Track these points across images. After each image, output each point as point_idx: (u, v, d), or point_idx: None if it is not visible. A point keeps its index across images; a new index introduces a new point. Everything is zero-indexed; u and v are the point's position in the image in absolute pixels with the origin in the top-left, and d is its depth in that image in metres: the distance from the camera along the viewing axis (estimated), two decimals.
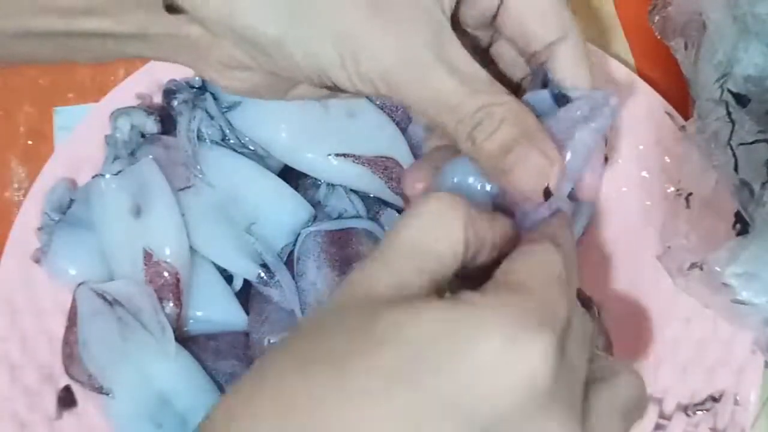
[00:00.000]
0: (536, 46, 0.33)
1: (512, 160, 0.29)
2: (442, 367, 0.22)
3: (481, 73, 0.30)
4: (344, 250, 0.42)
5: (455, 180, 0.31)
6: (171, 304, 0.41)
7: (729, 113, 0.39)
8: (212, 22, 0.30)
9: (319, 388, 0.22)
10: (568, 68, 0.32)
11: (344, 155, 0.43)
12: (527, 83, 0.36)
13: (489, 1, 0.32)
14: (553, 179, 0.29)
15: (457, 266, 0.27)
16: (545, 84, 0.33)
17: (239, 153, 0.45)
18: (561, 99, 0.32)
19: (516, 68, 0.36)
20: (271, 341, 0.42)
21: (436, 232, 0.26)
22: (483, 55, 0.36)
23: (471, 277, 0.27)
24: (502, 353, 0.22)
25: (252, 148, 0.45)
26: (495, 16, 0.33)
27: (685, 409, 0.42)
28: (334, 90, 0.32)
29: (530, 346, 0.22)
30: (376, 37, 0.29)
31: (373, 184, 0.44)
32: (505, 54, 0.36)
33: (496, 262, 0.27)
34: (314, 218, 0.44)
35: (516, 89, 0.36)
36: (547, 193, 0.29)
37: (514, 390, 0.22)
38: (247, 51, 0.31)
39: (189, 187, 0.44)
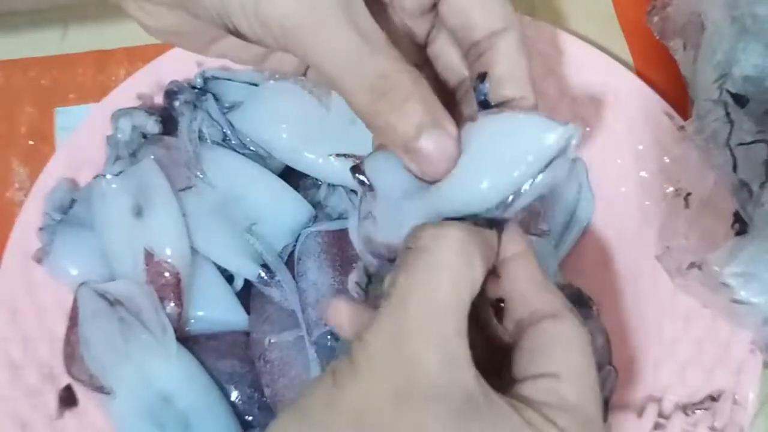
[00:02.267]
0: (478, 34, 0.32)
1: (422, 145, 0.29)
2: None
3: (383, 37, 0.29)
4: (345, 250, 0.42)
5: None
6: (172, 304, 0.42)
7: (728, 113, 0.39)
8: None
9: None
10: (508, 61, 0.31)
11: (345, 155, 0.43)
12: (461, 94, 0.35)
13: None
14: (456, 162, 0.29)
15: None
16: (483, 99, 0.32)
17: (240, 153, 0.45)
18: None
19: (451, 72, 0.35)
20: (272, 341, 0.42)
21: (464, 276, 0.27)
22: (420, 53, 0.35)
23: None
24: None
25: (253, 148, 0.45)
26: (435, 4, 0.32)
27: (684, 408, 0.42)
28: (239, 37, 0.31)
29: None
30: None
31: None
32: (442, 55, 0.35)
33: None
34: (315, 218, 0.44)
35: (450, 96, 0.35)
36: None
37: None
38: None
39: (190, 187, 0.44)
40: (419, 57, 0.35)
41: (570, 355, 0.28)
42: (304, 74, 0.36)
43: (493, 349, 0.30)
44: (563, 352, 0.28)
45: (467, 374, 0.26)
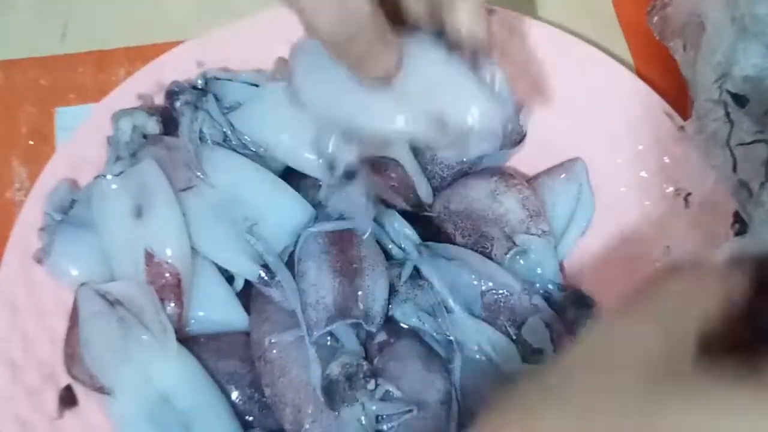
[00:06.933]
0: None
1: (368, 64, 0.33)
2: None
3: None
4: (345, 251, 0.42)
5: None
6: (172, 305, 0.42)
7: (727, 113, 0.39)
8: None
9: None
10: (465, 18, 0.33)
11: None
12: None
13: None
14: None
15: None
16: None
17: (241, 154, 0.45)
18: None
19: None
20: (272, 341, 0.42)
21: (702, 289, 0.26)
22: None
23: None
24: None
25: (253, 149, 0.45)
26: None
27: None
28: None
29: None
30: None
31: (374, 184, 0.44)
32: None
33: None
34: (315, 219, 0.44)
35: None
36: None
37: None
38: None
39: (190, 187, 0.44)
40: None
41: None
42: None
43: None
44: None
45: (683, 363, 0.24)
